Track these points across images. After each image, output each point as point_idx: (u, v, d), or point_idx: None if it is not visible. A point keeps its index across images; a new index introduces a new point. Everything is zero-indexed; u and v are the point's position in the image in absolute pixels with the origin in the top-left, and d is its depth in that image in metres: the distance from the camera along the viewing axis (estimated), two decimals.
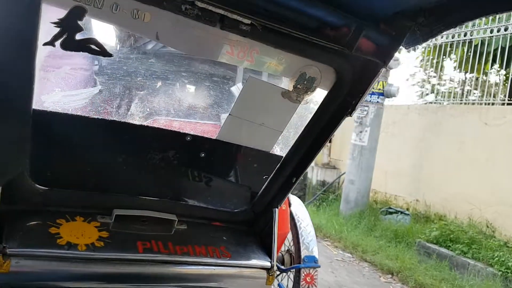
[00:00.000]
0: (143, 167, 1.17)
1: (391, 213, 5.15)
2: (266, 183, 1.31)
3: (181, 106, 1.12)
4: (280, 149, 1.29)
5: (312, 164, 2.11)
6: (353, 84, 1.10)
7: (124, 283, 1.08)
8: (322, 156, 6.84)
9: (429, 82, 7.28)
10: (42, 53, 0.85)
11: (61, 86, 0.96)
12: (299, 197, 2.37)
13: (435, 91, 6.64)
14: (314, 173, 6.64)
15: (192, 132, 1.17)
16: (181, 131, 1.16)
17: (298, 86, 1.12)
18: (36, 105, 0.93)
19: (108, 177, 1.15)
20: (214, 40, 1.01)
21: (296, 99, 1.15)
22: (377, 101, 5.26)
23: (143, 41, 1.01)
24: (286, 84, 1.13)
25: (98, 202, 1.13)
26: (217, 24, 0.90)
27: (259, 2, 0.87)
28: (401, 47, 1.03)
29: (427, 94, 7.15)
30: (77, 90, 0.96)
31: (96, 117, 1.04)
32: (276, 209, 1.32)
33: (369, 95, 5.08)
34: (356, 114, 3.48)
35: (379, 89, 5.15)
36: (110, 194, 1.15)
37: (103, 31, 0.90)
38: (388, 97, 5.29)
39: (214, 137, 1.19)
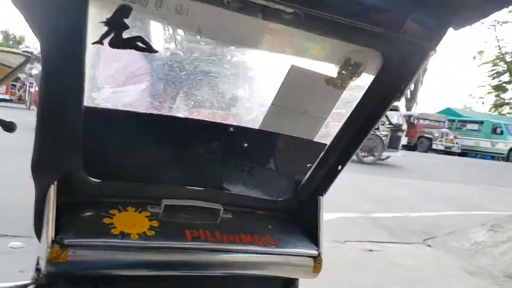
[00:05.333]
0: (189, 158, 1.19)
1: None
2: (310, 171, 1.30)
3: (224, 98, 1.12)
4: (324, 136, 1.27)
5: None
6: (401, 68, 1.06)
7: (175, 270, 1.11)
8: None
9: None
10: (91, 51, 0.87)
11: (110, 83, 0.99)
12: None
13: None
14: None
15: (235, 123, 1.18)
16: (223, 122, 1.17)
17: (343, 72, 1.09)
18: (87, 102, 0.96)
19: (156, 169, 1.19)
20: (255, 30, 1.00)
21: (340, 85, 1.12)
22: None
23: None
24: (330, 70, 1.10)
25: (147, 193, 1.17)
26: (259, 14, 0.88)
27: None
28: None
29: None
30: (125, 86, 0.99)
31: (143, 111, 1.07)
32: (321, 197, 1.31)
33: None
34: None
35: None
36: (158, 185, 1.18)
37: (148, 28, 0.91)
38: None
39: (257, 127, 1.19)
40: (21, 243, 2.77)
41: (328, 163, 1.27)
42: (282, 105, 1.15)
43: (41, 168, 0.99)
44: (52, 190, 0.99)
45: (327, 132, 1.25)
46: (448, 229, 5.10)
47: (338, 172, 1.27)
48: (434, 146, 21.23)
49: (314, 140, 1.26)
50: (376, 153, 11.62)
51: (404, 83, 1.07)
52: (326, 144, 1.26)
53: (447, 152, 21.22)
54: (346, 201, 5.86)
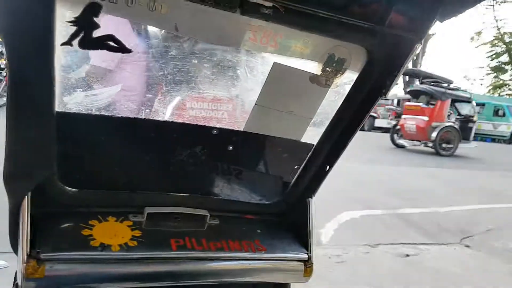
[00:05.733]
0: (172, 163, 1.15)
1: None
2: (298, 172, 1.27)
3: (204, 100, 1.08)
4: (311, 137, 1.23)
5: None
6: (387, 63, 1.03)
7: (159, 281, 1.06)
8: None
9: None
10: (60, 53, 0.83)
11: (82, 87, 0.94)
12: None
13: None
14: None
15: (218, 125, 1.13)
16: (207, 125, 1.13)
17: (327, 69, 1.06)
18: (59, 107, 0.91)
19: (137, 175, 1.14)
20: (235, 27, 0.97)
21: (325, 83, 1.09)
22: None
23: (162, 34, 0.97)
24: (314, 68, 1.06)
25: (129, 201, 1.12)
26: (237, 9, 0.85)
27: None
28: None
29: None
30: (98, 89, 0.94)
31: (120, 115, 1.02)
32: (310, 199, 1.27)
33: None
34: None
35: None
36: (140, 192, 1.13)
37: (120, 27, 0.86)
38: None
39: (241, 129, 1.15)
40: (5, 262, 2.61)
41: (316, 163, 1.24)
42: (266, 105, 1.12)
43: (13, 178, 0.94)
44: (26, 202, 0.94)
45: (315, 132, 1.22)
46: (485, 226, 4.80)
47: (326, 172, 1.24)
48: None
49: (301, 140, 1.23)
50: (453, 145, 11.72)
51: (390, 79, 1.04)
52: (313, 145, 1.22)
53: None
54: (367, 196, 5.70)
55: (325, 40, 1.00)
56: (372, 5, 0.88)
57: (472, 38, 29.47)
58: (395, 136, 13.07)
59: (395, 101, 21.62)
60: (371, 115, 13.88)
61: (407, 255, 3.75)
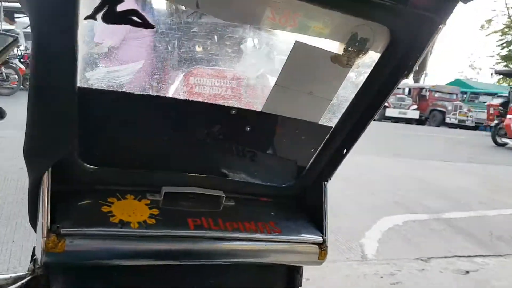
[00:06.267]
0: (190, 143, 1.15)
1: None
2: (315, 155, 1.26)
3: (226, 78, 1.07)
4: (329, 119, 1.22)
5: None
6: (409, 44, 1.01)
7: (177, 259, 1.07)
8: None
9: None
10: (84, 27, 0.82)
11: (105, 62, 0.94)
12: None
13: None
14: None
15: (237, 105, 1.13)
16: (225, 104, 1.12)
17: (349, 48, 1.04)
18: (80, 82, 0.91)
19: (155, 155, 1.14)
20: (255, 5, 0.96)
21: (347, 63, 1.07)
22: None
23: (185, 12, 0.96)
24: (336, 47, 1.05)
25: (147, 180, 1.12)
26: None
27: None
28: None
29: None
30: (121, 65, 0.94)
31: (141, 93, 1.02)
32: (326, 182, 1.27)
33: None
34: None
35: None
36: (158, 172, 1.14)
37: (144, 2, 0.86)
38: None
39: (260, 110, 1.14)
40: None
41: (333, 147, 1.23)
42: (286, 85, 1.11)
43: (34, 154, 0.94)
44: (46, 178, 0.94)
45: (333, 114, 1.21)
46: None
47: (343, 156, 1.23)
48: (447, 120, 20.51)
49: (319, 123, 1.22)
50: None
51: (412, 60, 1.02)
52: (331, 127, 1.21)
53: (461, 126, 20.40)
54: (404, 197, 5.34)
55: (348, 19, 0.99)
56: None
57: (482, 26, 28.62)
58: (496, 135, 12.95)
59: (406, 90, 21.24)
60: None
61: (467, 272, 3.38)
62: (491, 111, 17.54)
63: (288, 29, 1.01)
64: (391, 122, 19.30)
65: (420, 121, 20.49)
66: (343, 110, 1.18)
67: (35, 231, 1.01)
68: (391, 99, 18.80)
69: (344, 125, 1.20)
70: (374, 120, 1.19)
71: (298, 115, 1.18)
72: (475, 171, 7.96)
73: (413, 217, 4.59)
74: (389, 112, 20.06)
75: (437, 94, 21.56)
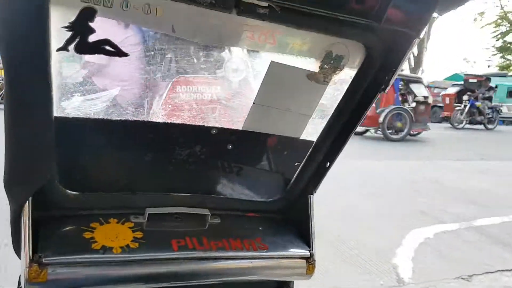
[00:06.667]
0: (171, 163, 1.15)
1: None
2: (299, 169, 1.27)
3: (203, 100, 1.08)
4: (311, 134, 1.23)
5: None
6: (385, 59, 1.03)
7: (161, 282, 1.07)
8: None
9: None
10: (56, 58, 0.82)
11: (80, 91, 0.94)
12: None
13: None
14: None
15: (217, 125, 1.13)
16: (205, 124, 1.13)
17: (325, 66, 1.05)
18: (57, 112, 0.91)
19: (137, 177, 1.14)
20: (232, 27, 0.96)
21: (323, 80, 1.08)
22: None
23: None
24: (311, 65, 1.06)
25: (130, 202, 1.12)
26: (233, 10, 0.84)
27: None
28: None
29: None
30: (96, 93, 0.94)
31: (118, 118, 1.02)
32: (312, 195, 1.27)
33: None
34: None
35: None
36: (141, 194, 1.14)
37: (115, 31, 0.86)
38: None
39: (240, 128, 1.15)
40: None
41: (316, 160, 1.24)
42: (264, 104, 1.11)
43: (14, 183, 0.94)
44: (27, 207, 0.94)
45: (314, 129, 1.22)
46: None
47: (327, 169, 1.24)
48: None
49: (301, 138, 1.22)
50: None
51: (389, 75, 1.03)
52: (313, 142, 1.22)
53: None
54: (432, 204, 5.05)
55: (323, 37, 1.00)
56: (368, 1, 0.88)
57: (475, 19, 28.75)
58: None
59: None
60: None
61: None
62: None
63: (267, 47, 1.02)
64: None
65: None
66: (324, 124, 1.19)
67: (20, 258, 1.01)
68: None
69: (326, 139, 1.21)
70: None
71: (279, 131, 1.19)
72: (491, 169, 7.57)
73: (443, 227, 4.28)
74: None
75: (436, 90, 21.35)
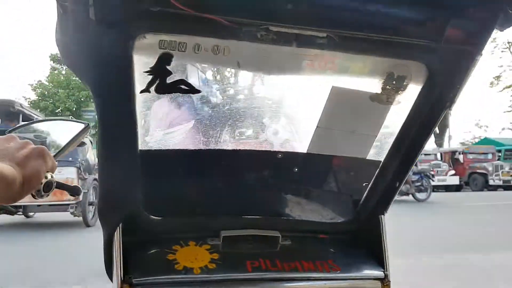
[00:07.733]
0: (242, 188, 1.22)
1: None
2: (368, 189, 1.26)
3: (268, 127, 1.14)
4: (378, 154, 1.23)
5: None
6: (448, 76, 1.01)
7: None
8: None
9: None
10: (140, 99, 0.94)
11: (160, 126, 1.05)
12: None
13: None
14: None
15: (282, 150, 1.18)
16: (271, 149, 1.18)
17: (387, 87, 1.06)
18: (141, 146, 1.03)
19: (212, 202, 1.22)
20: (293, 58, 1.02)
21: (387, 101, 1.09)
22: None
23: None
24: (374, 86, 1.07)
25: (206, 226, 1.20)
26: (293, 43, 0.90)
27: (332, 14, 0.85)
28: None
29: None
30: (174, 127, 1.05)
31: (194, 148, 1.12)
32: (383, 215, 1.26)
33: None
34: None
35: None
36: (216, 217, 1.21)
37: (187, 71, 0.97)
38: None
39: (305, 151, 1.19)
40: None
41: (385, 180, 1.23)
42: (328, 127, 1.14)
43: (107, 211, 1.06)
44: (118, 232, 1.06)
45: (380, 148, 1.21)
46: None
47: (396, 189, 1.22)
48: (490, 182, 18.13)
49: (367, 158, 1.23)
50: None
51: (453, 92, 1.01)
52: (380, 161, 1.22)
53: (505, 187, 17.92)
54: None
55: (383, 59, 1.01)
56: (426, 23, 0.88)
57: (491, 83, 26.56)
58: None
59: (438, 156, 19.35)
60: None
61: None
62: None
63: (327, 72, 1.06)
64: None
65: (459, 186, 18.25)
66: (391, 144, 1.18)
67: (111, 280, 1.12)
68: (425, 165, 15.38)
69: (394, 158, 1.19)
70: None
71: (344, 152, 1.21)
72: None
73: None
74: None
75: (471, 156, 19.62)
